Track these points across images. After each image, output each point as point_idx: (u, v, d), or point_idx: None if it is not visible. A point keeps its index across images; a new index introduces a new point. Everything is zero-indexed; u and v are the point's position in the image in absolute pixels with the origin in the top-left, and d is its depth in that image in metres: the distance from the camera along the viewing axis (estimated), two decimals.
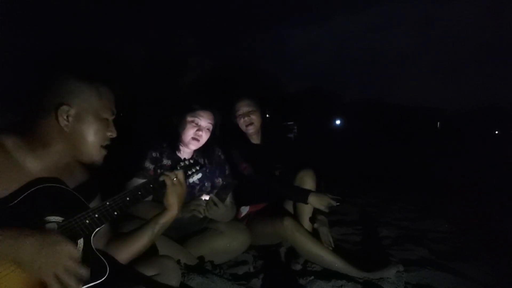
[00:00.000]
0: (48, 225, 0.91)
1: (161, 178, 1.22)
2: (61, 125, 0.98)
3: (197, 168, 1.39)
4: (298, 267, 1.81)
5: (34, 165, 0.97)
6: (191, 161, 1.40)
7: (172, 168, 1.31)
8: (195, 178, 1.37)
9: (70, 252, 0.81)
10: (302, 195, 1.95)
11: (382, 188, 4.62)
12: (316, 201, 1.92)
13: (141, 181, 1.71)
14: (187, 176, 1.33)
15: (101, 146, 1.06)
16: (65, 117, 0.98)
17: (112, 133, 1.09)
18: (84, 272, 0.82)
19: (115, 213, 1.04)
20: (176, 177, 1.23)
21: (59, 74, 1.01)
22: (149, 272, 1.16)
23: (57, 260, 0.79)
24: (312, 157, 2.50)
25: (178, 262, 1.56)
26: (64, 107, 0.98)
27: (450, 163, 8.03)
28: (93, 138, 1.04)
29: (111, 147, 1.11)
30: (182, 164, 1.36)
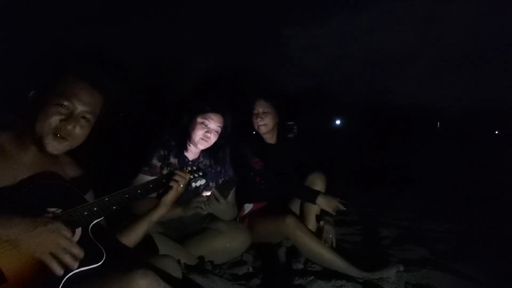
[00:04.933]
0: (46, 215, 0.93)
1: (167, 179, 1.27)
2: (26, 109, 1.02)
3: (200, 174, 1.43)
4: (299, 266, 1.81)
5: (26, 158, 1.00)
6: (194, 168, 1.44)
7: (180, 170, 1.35)
8: (198, 183, 1.41)
9: (63, 231, 0.84)
10: (311, 195, 1.97)
11: (382, 188, 4.62)
12: (324, 203, 1.94)
13: (147, 177, 1.73)
14: (190, 180, 1.37)
15: (55, 134, 1.02)
16: (29, 101, 1.03)
17: (70, 126, 1.03)
18: (78, 250, 0.85)
19: (114, 207, 1.05)
20: (183, 183, 1.29)
21: (44, 72, 1.06)
22: None
23: (52, 239, 0.82)
24: (316, 158, 2.51)
25: (178, 262, 1.56)
26: (32, 91, 1.03)
27: (450, 163, 8.03)
28: (41, 119, 1.01)
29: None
30: (185, 169, 1.39)
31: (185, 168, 1.39)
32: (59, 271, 0.80)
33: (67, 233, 0.85)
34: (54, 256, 0.81)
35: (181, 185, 1.29)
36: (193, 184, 1.40)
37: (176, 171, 1.31)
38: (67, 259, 0.82)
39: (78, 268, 0.84)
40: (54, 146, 1.03)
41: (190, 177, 1.37)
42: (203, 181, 1.45)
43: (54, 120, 1.01)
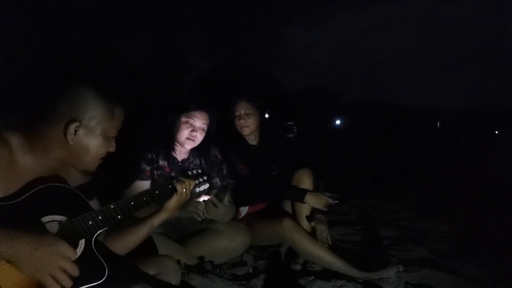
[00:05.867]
0: (50, 224, 0.91)
1: (173, 185, 1.24)
2: (67, 138, 0.98)
3: (205, 178, 1.41)
4: (298, 267, 1.81)
5: (33, 165, 0.98)
6: (199, 171, 1.41)
7: (183, 176, 1.32)
8: (202, 188, 1.39)
9: (65, 252, 0.82)
10: (299, 195, 1.96)
11: (382, 188, 4.62)
12: (313, 200, 1.92)
13: (142, 182, 1.72)
14: (195, 185, 1.34)
15: (99, 159, 1.08)
16: (72, 131, 0.98)
17: (112, 149, 1.09)
18: (77, 271, 0.83)
19: (119, 216, 1.04)
20: (186, 187, 1.26)
21: (78, 88, 1.00)
22: (149, 272, 1.16)
23: (52, 260, 0.80)
24: (312, 157, 2.50)
25: (178, 262, 1.56)
26: (76, 123, 0.97)
27: (450, 163, 8.03)
28: (94, 153, 1.04)
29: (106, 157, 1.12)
30: (190, 173, 1.37)
31: (188, 173, 1.37)
32: None
33: (68, 252, 0.83)
34: (53, 278, 0.79)
35: (185, 190, 1.26)
36: (197, 189, 1.37)
37: (181, 178, 1.28)
38: (66, 283, 0.81)
39: (80, 286, 0.84)
40: (96, 166, 1.08)
41: (195, 183, 1.34)
42: (206, 186, 1.42)
43: (104, 151, 1.07)
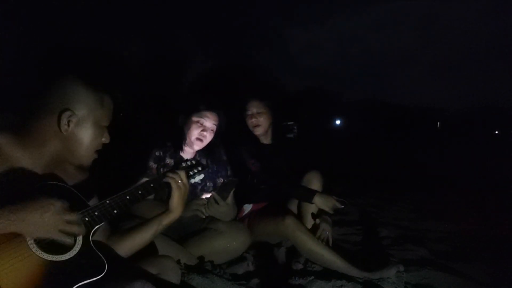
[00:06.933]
0: (46, 200, 0.92)
1: (164, 180, 1.23)
2: (61, 129, 1.00)
3: (199, 168, 1.40)
4: (298, 266, 1.81)
5: (27, 162, 0.98)
6: (193, 162, 1.41)
7: (175, 168, 1.32)
8: (197, 178, 1.38)
9: (63, 207, 0.89)
10: (308, 195, 1.97)
11: (382, 188, 4.63)
12: (321, 202, 1.94)
13: (143, 179, 1.72)
14: (189, 177, 1.33)
15: (94, 151, 1.09)
16: (66, 122, 1.00)
17: (106, 140, 1.12)
18: (78, 217, 0.92)
19: (115, 211, 1.04)
20: (180, 179, 1.25)
21: (66, 79, 1.03)
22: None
23: (58, 218, 0.86)
24: (312, 157, 2.50)
25: (178, 262, 1.56)
26: (68, 112, 1.00)
27: (450, 163, 8.03)
28: (89, 144, 1.06)
29: (104, 151, 1.13)
30: (184, 164, 1.36)
31: (182, 164, 1.36)
32: (72, 242, 0.91)
33: (66, 205, 0.90)
34: (63, 232, 0.88)
35: (180, 181, 1.25)
36: (192, 180, 1.36)
37: (170, 171, 1.27)
38: (76, 230, 0.91)
39: (80, 281, 0.85)
40: (92, 160, 1.11)
41: (189, 173, 1.34)
42: (201, 176, 1.42)
43: (99, 142, 1.10)
